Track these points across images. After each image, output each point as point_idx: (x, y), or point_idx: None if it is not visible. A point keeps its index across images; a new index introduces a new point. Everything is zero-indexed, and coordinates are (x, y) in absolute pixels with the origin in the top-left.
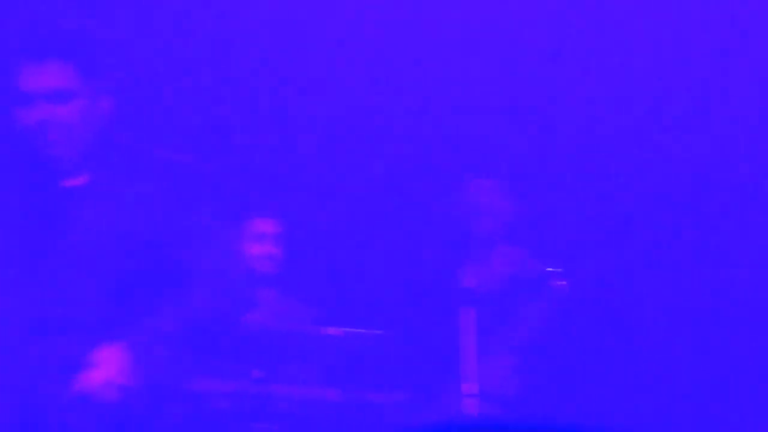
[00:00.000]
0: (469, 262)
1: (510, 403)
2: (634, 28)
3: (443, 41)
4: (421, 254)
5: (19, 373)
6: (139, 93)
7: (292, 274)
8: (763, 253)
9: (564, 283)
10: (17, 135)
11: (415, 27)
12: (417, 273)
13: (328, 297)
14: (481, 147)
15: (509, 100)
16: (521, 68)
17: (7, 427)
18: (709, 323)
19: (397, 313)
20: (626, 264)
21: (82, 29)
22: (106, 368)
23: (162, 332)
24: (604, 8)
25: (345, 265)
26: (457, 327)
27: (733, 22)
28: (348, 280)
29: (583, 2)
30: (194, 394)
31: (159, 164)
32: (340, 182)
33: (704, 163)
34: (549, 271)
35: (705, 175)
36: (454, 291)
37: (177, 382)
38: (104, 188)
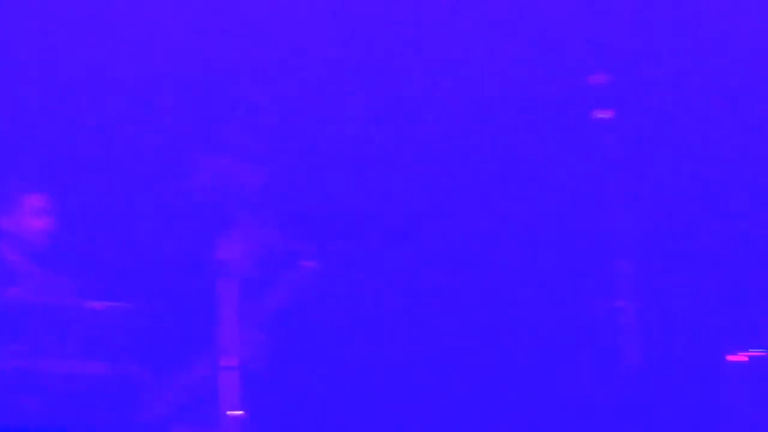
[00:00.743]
0: (225, 237)
1: (264, 378)
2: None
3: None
4: (180, 229)
5: None
6: None
7: (56, 248)
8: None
9: (313, 262)
10: None
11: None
12: (176, 248)
13: (90, 271)
14: (231, 124)
15: (261, 80)
16: (266, 48)
17: None
18: (446, 298)
19: (158, 288)
20: (375, 242)
21: None
22: None
23: None
24: None
25: (107, 239)
26: (216, 301)
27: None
28: (109, 255)
29: None
30: None
31: None
32: (102, 157)
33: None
34: (300, 249)
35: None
36: (212, 266)
37: None
38: None
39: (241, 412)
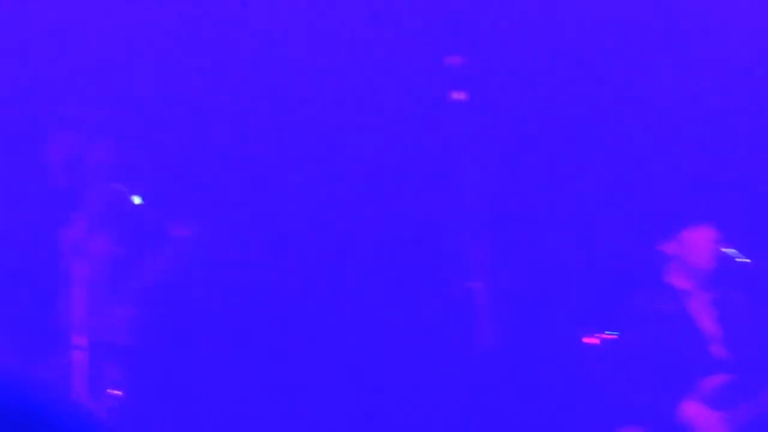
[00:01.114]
0: (76, 215)
1: (123, 355)
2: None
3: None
4: (25, 206)
5: None
6: None
7: None
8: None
9: (186, 231)
10: None
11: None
12: (22, 226)
13: None
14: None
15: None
16: (124, 21)
17: None
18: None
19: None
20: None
21: None
22: None
23: None
24: None
25: None
26: (68, 279)
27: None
28: None
29: None
30: None
31: None
32: None
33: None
34: (171, 220)
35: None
36: (64, 243)
37: None
38: None
39: (118, 392)
